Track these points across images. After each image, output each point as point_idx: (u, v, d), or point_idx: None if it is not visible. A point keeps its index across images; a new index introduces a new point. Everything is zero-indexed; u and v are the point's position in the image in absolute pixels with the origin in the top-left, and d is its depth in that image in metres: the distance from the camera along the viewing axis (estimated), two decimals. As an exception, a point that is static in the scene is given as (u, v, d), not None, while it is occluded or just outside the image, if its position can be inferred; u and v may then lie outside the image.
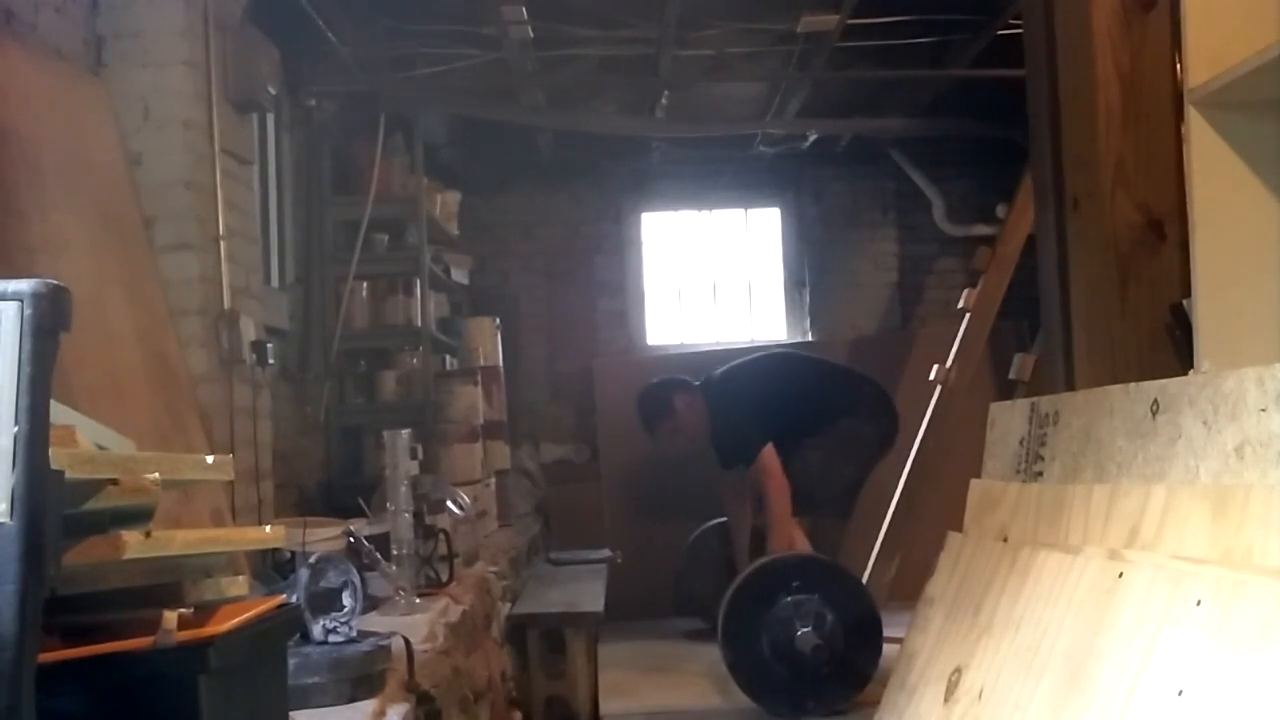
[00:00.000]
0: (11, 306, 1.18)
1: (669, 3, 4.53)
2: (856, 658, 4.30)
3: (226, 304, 3.48)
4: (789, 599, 4.33)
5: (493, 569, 4.29)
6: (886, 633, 4.32)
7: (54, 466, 1.22)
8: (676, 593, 6.08)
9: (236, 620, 1.55)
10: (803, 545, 4.94)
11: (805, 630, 4.27)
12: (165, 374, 3.11)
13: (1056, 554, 2.10)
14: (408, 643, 2.51)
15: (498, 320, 5.90)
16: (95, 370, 2.73)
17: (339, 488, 4.78)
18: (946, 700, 2.33)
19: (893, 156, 6.97)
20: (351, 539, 3.32)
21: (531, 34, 4.84)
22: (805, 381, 5.26)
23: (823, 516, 5.55)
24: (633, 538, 6.16)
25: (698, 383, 5.28)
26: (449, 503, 4.03)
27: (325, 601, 2.31)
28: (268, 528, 2.45)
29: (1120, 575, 1.81)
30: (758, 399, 5.04)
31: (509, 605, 4.35)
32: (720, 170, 7.22)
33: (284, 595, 2.01)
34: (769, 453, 4.84)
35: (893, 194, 7.26)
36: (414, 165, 5.36)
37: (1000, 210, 6.21)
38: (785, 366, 5.45)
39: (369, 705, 2.24)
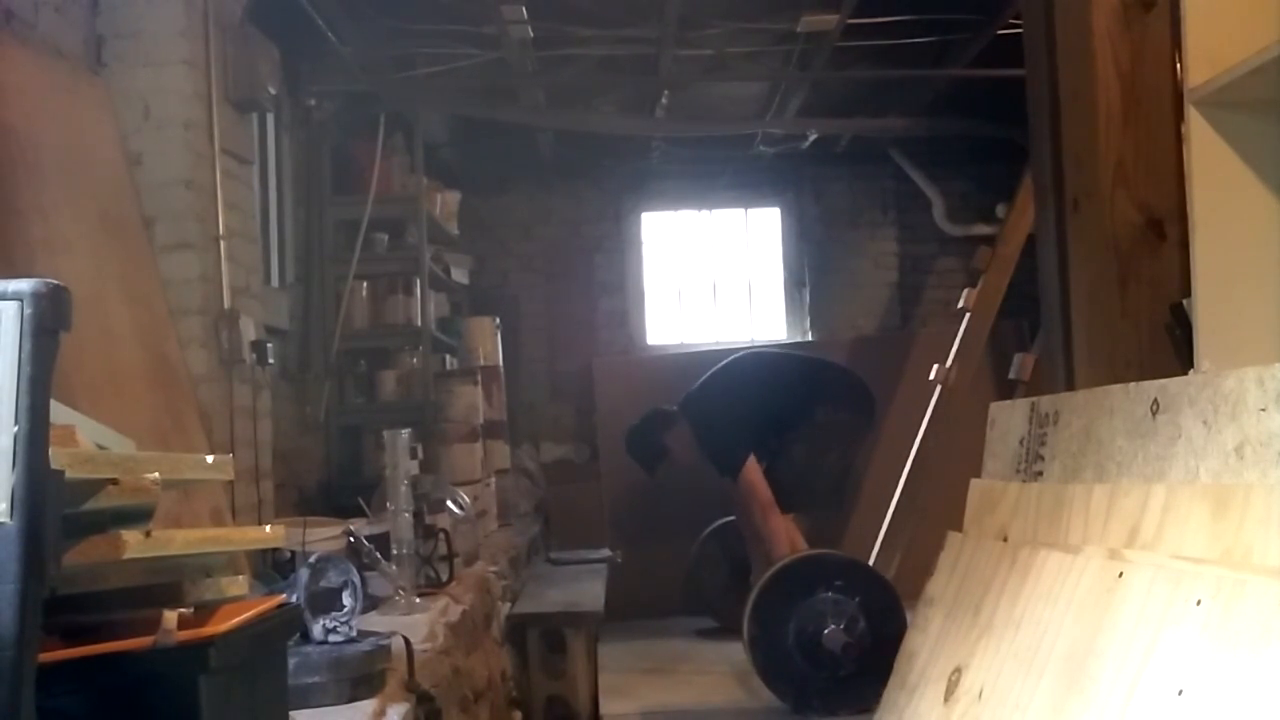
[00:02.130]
0: (11, 306, 1.18)
1: (669, 3, 4.53)
2: (876, 671, 4.27)
3: (226, 304, 3.48)
4: (828, 594, 4.32)
5: (493, 569, 4.29)
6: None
7: (54, 466, 1.22)
8: (686, 592, 6.07)
9: (236, 620, 1.56)
10: (800, 548, 4.94)
11: (836, 628, 4.26)
12: (165, 374, 3.11)
13: (1056, 554, 2.10)
14: (408, 642, 2.51)
15: (498, 320, 5.89)
16: (95, 370, 2.73)
17: (339, 487, 4.78)
18: (946, 700, 2.33)
19: (893, 156, 6.97)
20: (351, 539, 3.32)
21: (531, 34, 4.84)
22: (778, 377, 5.26)
23: (818, 512, 5.54)
24: (633, 537, 6.16)
25: (676, 406, 5.29)
26: (449, 502, 4.02)
27: (325, 601, 2.31)
28: (268, 527, 2.45)
29: (1120, 575, 1.81)
30: (735, 407, 5.05)
31: (509, 605, 4.34)
32: (720, 170, 7.21)
33: (284, 595, 2.01)
34: (751, 469, 4.86)
35: (893, 194, 7.26)
36: (414, 165, 5.36)
37: (1000, 210, 6.22)
38: (756, 366, 5.42)
39: (369, 705, 2.24)
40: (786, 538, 4.82)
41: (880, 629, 4.28)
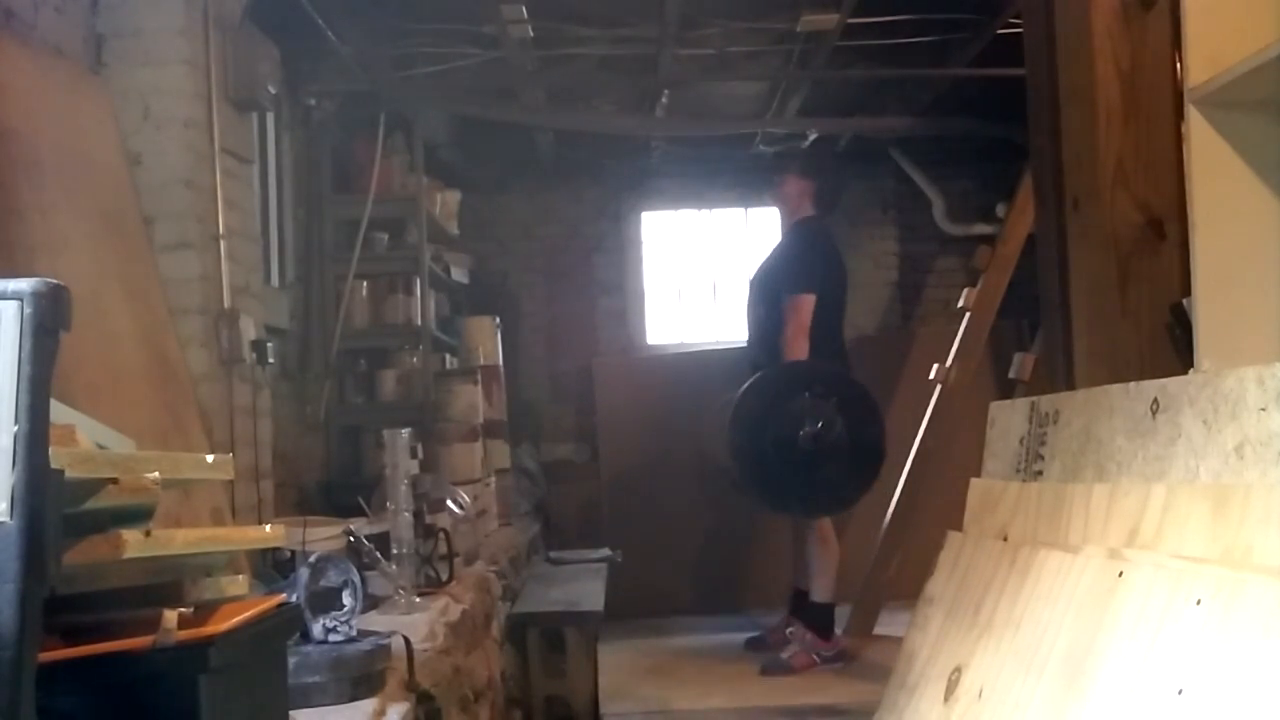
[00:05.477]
0: (11, 306, 1.18)
1: (669, 2, 4.53)
2: (853, 474, 4.27)
3: (226, 303, 3.48)
4: (806, 396, 4.31)
5: (493, 568, 4.29)
6: (886, 632, 4.30)
7: (54, 466, 1.22)
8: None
9: (237, 620, 1.56)
10: None
11: (812, 428, 4.26)
12: (165, 373, 3.11)
13: (1056, 553, 2.10)
14: (408, 642, 2.51)
15: (498, 320, 5.89)
16: (95, 370, 2.73)
17: (339, 487, 4.77)
18: (946, 699, 2.33)
19: (893, 156, 6.96)
20: (351, 538, 3.32)
21: (531, 33, 4.84)
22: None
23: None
24: (633, 537, 6.15)
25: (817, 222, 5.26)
26: (449, 502, 4.02)
27: (325, 601, 2.31)
28: (268, 527, 2.45)
29: (1120, 574, 1.81)
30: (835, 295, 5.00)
31: (509, 605, 4.34)
32: (720, 169, 7.21)
33: (284, 594, 2.01)
34: (805, 299, 4.79)
35: (893, 193, 7.26)
36: (414, 165, 5.36)
37: (1000, 210, 6.21)
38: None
39: (369, 704, 2.24)
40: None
41: (857, 431, 4.28)
